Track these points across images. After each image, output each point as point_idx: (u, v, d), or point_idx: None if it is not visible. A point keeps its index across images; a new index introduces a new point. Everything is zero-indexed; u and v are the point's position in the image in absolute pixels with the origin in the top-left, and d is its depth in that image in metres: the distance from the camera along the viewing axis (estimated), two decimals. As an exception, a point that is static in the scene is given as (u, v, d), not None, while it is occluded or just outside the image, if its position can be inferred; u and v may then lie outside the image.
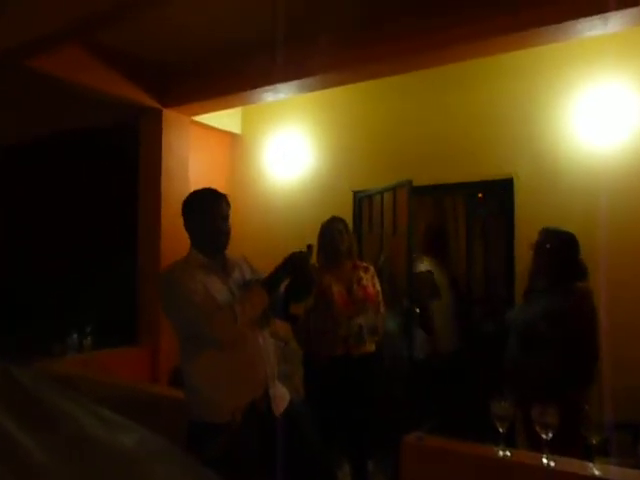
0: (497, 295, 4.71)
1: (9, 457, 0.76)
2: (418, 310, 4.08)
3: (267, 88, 4.18)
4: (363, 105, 4.88)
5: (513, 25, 3.17)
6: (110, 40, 3.97)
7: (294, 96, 4.62)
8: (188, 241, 2.32)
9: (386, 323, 3.31)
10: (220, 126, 5.42)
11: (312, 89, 4.32)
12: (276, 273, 2.16)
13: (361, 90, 4.77)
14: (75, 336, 4.16)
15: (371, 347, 3.11)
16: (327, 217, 3.27)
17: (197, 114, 4.92)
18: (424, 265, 4.53)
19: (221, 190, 2.32)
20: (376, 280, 3.22)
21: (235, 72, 4.30)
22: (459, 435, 2.12)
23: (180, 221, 2.30)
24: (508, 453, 1.97)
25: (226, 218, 2.27)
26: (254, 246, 4.69)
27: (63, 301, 5.15)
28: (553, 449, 1.89)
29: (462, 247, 5.14)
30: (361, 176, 4.81)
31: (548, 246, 2.76)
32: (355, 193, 4.85)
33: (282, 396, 2.28)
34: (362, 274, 3.17)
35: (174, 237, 4.33)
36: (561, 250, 2.74)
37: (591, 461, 1.85)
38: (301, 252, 2.19)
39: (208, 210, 2.22)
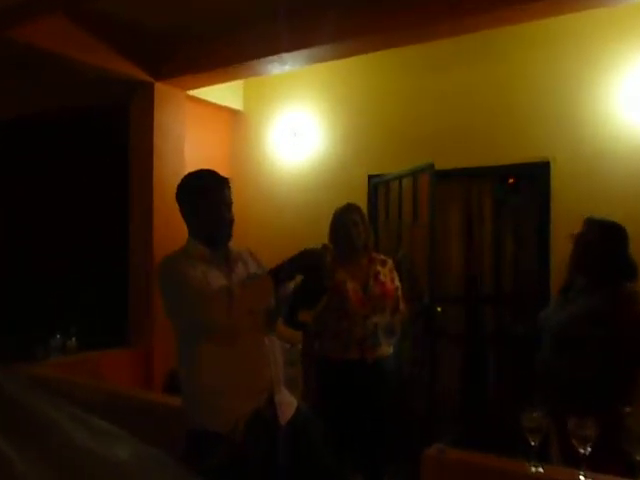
0: (529, 293, 4.70)
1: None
2: (440, 309, 4.09)
3: (271, 58, 4.18)
4: (380, 80, 4.86)
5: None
6: (96, 7, 3.97)
7: (302, 68, 4.62)
8: (185, 230, 2.33)
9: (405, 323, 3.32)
10: (219, 102, 5.42)
11: (322, 59, 4.31)
12: (286, 265, 2.14)
13: (377, 63, 4.76)
14: (58, 337, 4.21)
15: (388, 350, 3.13)
16: (340, 204, 3.26)
17: (193, 88, 4.92)
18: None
19: (221, 173, 2.33)
20: (395, 274, 3.23)
21: (236, 40, 4.29)
22: (485, 448, 2.13)
23: (176, 208, 2.31)
24: (540, 469, 1.97)
25: (229, 205, 2.28)
26: (257, 238, 4.72)
27: (45, 299, 5.21)
28: (591, 465, 1.89)
29: (489, 239, 5.13)
30: (377, 159, 4.81)
31: (591, 238, 2.72)
32: (370, 178, 4.84)
33: (289, 403, 2.30)
34: (379, 268, 3.17)
35: (169, 226, 4.36)
36: (606, 243, 2.68)
37: (634, 479, 1.85)
38: (316, 249, 2.18)
39: (208, 196, 2.23)
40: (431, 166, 4.00)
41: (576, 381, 2.62)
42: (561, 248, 3.17)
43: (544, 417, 1.97)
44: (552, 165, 4.06)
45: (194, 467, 2.08)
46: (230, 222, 2.28)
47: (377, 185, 4.78)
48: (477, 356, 4.96)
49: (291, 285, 2.24)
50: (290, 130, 5.29)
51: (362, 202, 4.53)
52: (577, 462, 1.90)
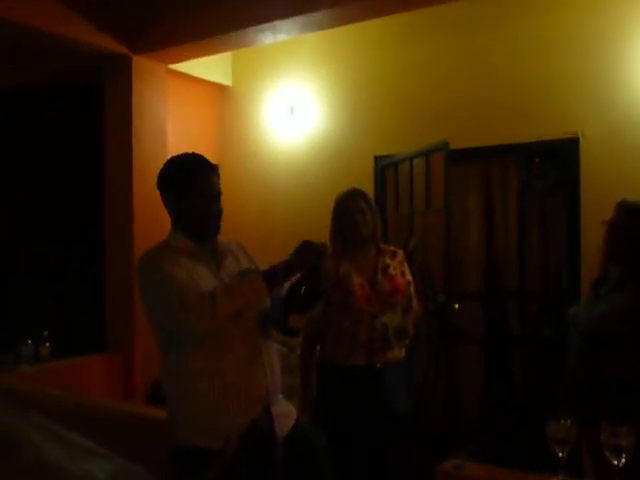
0: (557, 288, 4.72)
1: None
2: (457, 306, 4.10)
3: (263, 27, 4.18)
4: (387, 49, 4.86)
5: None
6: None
7: (298, 37, 4.61)
8: (167, 221, 2.34)
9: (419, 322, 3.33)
10: (206, 76, 5.43)
11: (320, 27, 4.31)
12: (283, 264, 2.15)
13: (383, 30, 4.76)
14: (29, 343, 4.22)
15: (399, 354, 3.13)
16: (343, 190, 3.26)
17: (176, 62, 4.92)
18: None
19: (208, 156, 2.33)
20: (406, 267, 3.23)
21: (223, 7, 4.29)
22: (508, 462, 2.14)
23: (158, 196, 2.31)
24: (570, 484, 1.98)
25: (218, 195, 2.28)
26: (248, 230, 4.74)
27: (14, 301, 5.22)
28: (626, 479, 1.90)
29: (512, 227, 5.13)
30: (385, 138, 4.81)
31: (621, 223, 2.72)
32: (377, 159, 4.85)
33: (287, 414, 2.31)
34: (389, 260, 3.17)
35: (151, 217, 4.36)
36: (639, 229, 2.69)
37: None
38: (317, 244, 2.17)
39: (195, 185, 2.23)
40: (446, 145, 4.00)
41: (609, 385, 2.63)
42: (593, 237, 3.18)
43: (573, 426, 1.98)
44: (581, 142, 4.06)
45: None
46: (218, 214, 2.29)
47: (385, 167, 4.78)
48: (499, 359, 4.98)
49: (286, 285, 2.24)
50: (285, 107, 5.29)
51: (368, 187, 4.52)
52: (611, 476, 1.91)
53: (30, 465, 0.87)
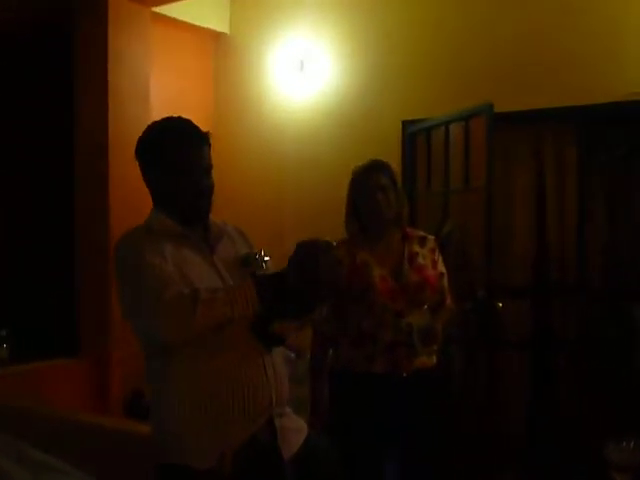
0: (625, 284, 4.70)
1: None
2: (500, 305, 4.11)
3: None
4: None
5: None
6: None
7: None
8: (150, 200, 2.36)
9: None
10: (198, 22, 5.43)
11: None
12: (274, 278, 2.12)
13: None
14: (-15, 344, 4.30)
15: (430, 360, 3.14)
16: (363, 162, 3.27)
17: (161, 3, 4.92)
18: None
19: (200, 121, 2.34)
20: (438, 256, 3.24)
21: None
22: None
23: (135, 167, 2.33)
24: (632, 519, 2.00)
25: (208, 169, 2.30)
26: (248, 210, 4.74)
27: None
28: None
29: (571, 209, 5.12)
30: (414, 99, 4.81)
31: None
32: (405, 125, 4.85)
33: (296, 430, 2.34)
34: (417, 248, 3.18)
35: (130, 196, 4.39)
36: None
37: None
38: (316, 247, 2.13)
39: (179, 158, 2.24)
40: (489, 107, 4.00)
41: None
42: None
43: (637, 449, 2.00)
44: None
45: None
46: (209, 190, 2.30)
47: (414, 134, 4.79)
48: (550, 368, 4.99)
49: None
50: (294, 60, 5.29)
51: (394, 158, 4.50)
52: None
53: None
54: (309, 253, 2.08)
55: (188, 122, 2.31)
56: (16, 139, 5.32)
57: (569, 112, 4.45)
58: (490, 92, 4.15)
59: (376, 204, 3.11)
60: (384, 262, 3.12)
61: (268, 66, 5.47)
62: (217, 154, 2.37)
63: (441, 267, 3.22)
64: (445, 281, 3.21)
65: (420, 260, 3.15)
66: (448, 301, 3.21)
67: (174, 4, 4.98)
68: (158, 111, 4.41)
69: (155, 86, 4.96)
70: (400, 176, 3.35)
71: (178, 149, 2.25)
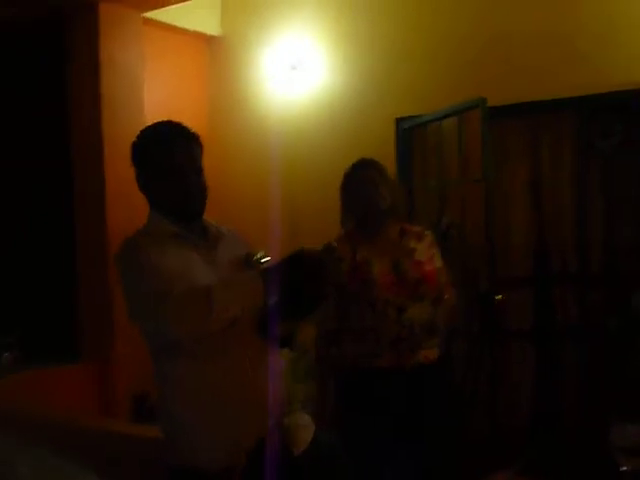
0: (626, 272, 4.70)
1: None
2: (500, 297, 4.12)
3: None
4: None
5: None
6: None
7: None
8: (146, 203, 2.38)
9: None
10: (190, 26, 5.44)
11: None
12: (280, 269, 2.11)
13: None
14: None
15: (433, 353, 3.16)
16: (355, 160, 3.29)
17: (153, 8, 4.93)
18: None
19: (194, 124, 2.37)
20: (436, 251, 3.26)
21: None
22: (564, 475, 2.18)
23: (131, 171, 2.35)
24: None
25: (198, 170, 2.32)
26: (242, 212, 4.75)
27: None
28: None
29: (568, 199, 5.13)
30: (408, 96, 4.82)
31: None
32: (399, 121, 4.86)
33: (304, 427, 2.36)
34: (415, 243, 3.21)
35: (127, 200, 4.38)
36: None
37: None
38: (316, 251, 2.17)
39: (170, 159, 2.26)
40: (483, 101, 4.01)
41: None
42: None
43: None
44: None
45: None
46: (200, 190, 2.32)
47: (409, 130, 4.80)
48: (552, 357, 5.00)
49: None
50: (288, 61, 5.30)
51: (388, 155, 4.54)
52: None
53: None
54: (316, 265, 2.11)
55: (177, 125, 2.33)
56: (11, 145, 5.32)
57: (565, 103, 4.45)
58: (483, 86, 4.16)
59: (366, 197, 3.15)
60: (384, 257, 3.14)
61: (261, 68, 5.47)
62: (211, 156, 2.39)
63: (438, 262, 3.24)
64: (443, 275, 3.24)
65: (418, 256, 3.17)
66: (447, 295, 3.22)
67: (165, 8, 4.99)
68: (152, 115, 4.43)
69: (148, 90, 4.97)
70: (394, 170, 3.36)
71: (165, 151, 2.27)
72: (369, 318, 3.06)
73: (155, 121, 2.39)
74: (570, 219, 5.07)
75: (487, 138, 4.02)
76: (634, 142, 4.32)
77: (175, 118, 2.37)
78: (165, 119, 2.37)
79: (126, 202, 4.44)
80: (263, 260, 2.33)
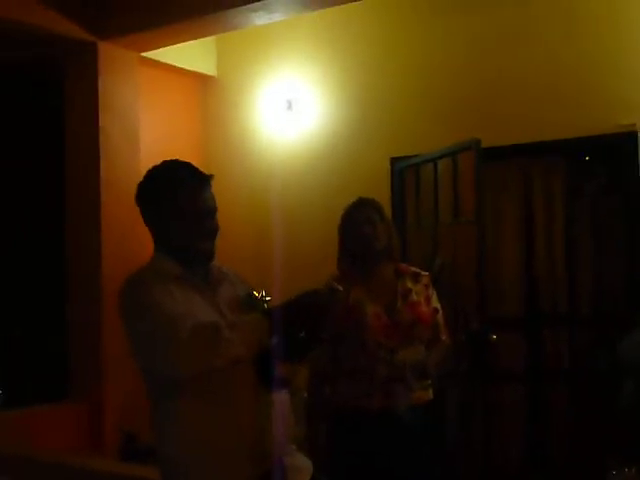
0: (614, 314, 4.70)
1: None
2: (495, 337, 4.10)
3: (254, 5, 4.20)
4: (401, 31, 4.92)
5: None
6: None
7: (296, 18, 4.65)
8: (144, 240, 2.36)
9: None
10: (186, 65, 5.48)
11: (322, 5, 4.36)
12: (280, 311, 2.11)
13: (397, 7, 4.81)
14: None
15: (425, 396, 3.14)
16: (352, 200, 3.29)
17: (150, 49, 4.96)
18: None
19: (190, 161, 2.34)
20: (432, 293, 3.24)
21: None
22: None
23: (131, 211, 2.33)
24: None
25: (213, 211, 2.31)
26: (238, 251, 4.73)
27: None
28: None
29: (558, 240, 5.14)
30: (402, 136, 4.84)
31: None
32: (394, 162, 4.87)
33: (302, 469, 2.33)
34: (410, 284, 3.19)
35: (122, 236, 4.40)
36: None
37: None
38: (323, 291, 2.15)
39: (182, 203, 2.24)
40: (477, 142, 4.02)
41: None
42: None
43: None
44: (640, 136, 4.09)
45: None
46: (214, 232, 2.31)
47: (403, 171, 4.81)
48: (544, 399, 4.97)
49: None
50: (282, 101, 5.32)
51: (383, 195, 4.53)
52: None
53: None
54: (320, 309, 2.11)
55: (188, 165, 2.31)
56: (18, 179, 5.33)
57: (555, 146, 4.49)
58: (477, 128, 4.18)
59: (363, 237, 3.13)
60: (377, 299, 3.13)
61: (256, 107, 5.49)
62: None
63: (435, 303, 3.23)
64: (440, 317, 3.22)
65: (414, 297, 3.15)
66: (444, 337, 3.21)
67: (161, 49, 5.02)
68: (147, 153, 4.44)
69: (143, 129, 4.96)
70: (391, 212, 3.36)
71: (180, 195, 2.24)
72: (361, 359, 3.04)
73: (151, 159, 2.37)
74: (560, 259, 5.09)
75: (481, 179, 4.02)
76: (620, 184, 4.34)
77: (170, 156, 2.36)
78: (163, 158, 2.34)
79: (121, 242, 4.45)
80: (264, 300, 2.32)
